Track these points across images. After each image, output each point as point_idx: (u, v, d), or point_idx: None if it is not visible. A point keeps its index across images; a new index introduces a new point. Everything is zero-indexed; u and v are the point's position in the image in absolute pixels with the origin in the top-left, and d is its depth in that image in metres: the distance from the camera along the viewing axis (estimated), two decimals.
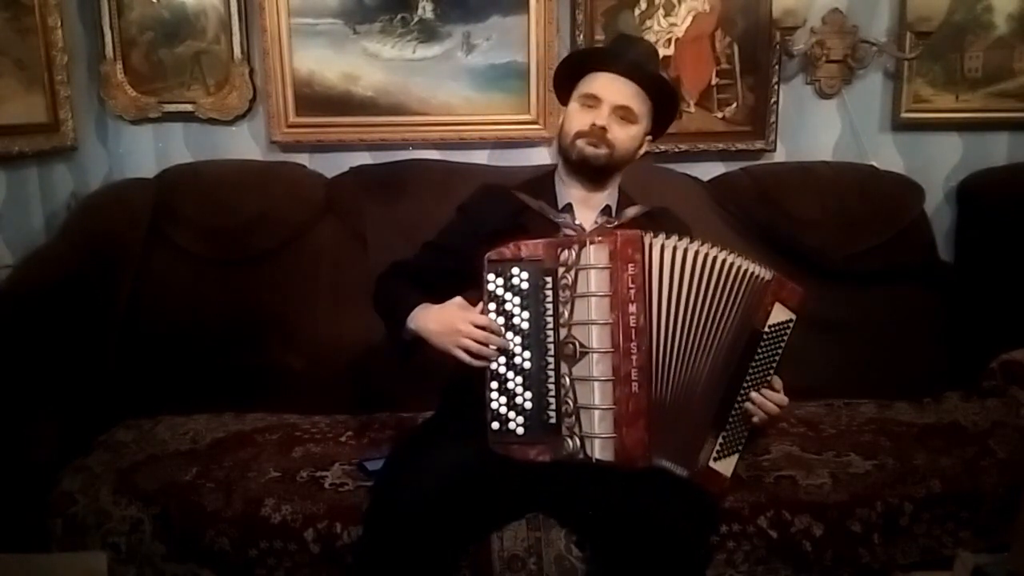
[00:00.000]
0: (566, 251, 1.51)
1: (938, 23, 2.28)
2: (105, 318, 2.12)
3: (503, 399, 1.54)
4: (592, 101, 1.68)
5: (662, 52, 2.41)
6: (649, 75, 1.69)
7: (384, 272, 1.79)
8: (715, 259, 1.52)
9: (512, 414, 1.53)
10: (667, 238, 1.52)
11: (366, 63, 2.43)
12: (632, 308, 1.48)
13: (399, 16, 2.41)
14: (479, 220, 1.74)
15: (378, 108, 2.45)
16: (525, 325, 1.54)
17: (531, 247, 1.54)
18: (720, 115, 2.48)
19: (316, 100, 2.45)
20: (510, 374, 1.54)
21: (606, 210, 1.75)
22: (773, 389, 1.55)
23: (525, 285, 1.53)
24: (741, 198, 2.35)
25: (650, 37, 2.41)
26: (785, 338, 1.54)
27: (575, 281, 1.50)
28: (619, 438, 1.48)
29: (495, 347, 1.53)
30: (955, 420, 2.04)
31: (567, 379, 1.51)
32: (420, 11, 2.41)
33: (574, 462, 1.51)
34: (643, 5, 2.41)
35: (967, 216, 2.48)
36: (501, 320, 1.54)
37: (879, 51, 2.44)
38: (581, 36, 2.40)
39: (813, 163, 2.45)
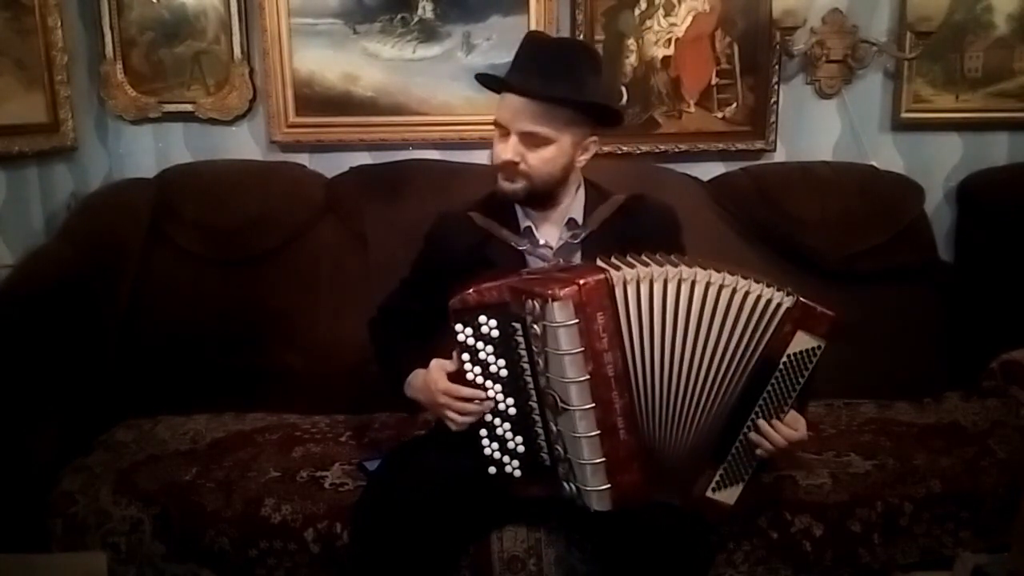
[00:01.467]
0: (530, 301, 1.39)
1: (938, 23, 2.28)
2: (105, 318, 2.12)
3: (495, 444, 1.50)
4: (502, 129, 1.58)
5: (662, 52, 2.42)
6: (547, 98, 1.52)
7: (374, 320, 1.79)
8: (712, 284, 1.42)
9: (507, 458, 1.49)
10: (644, 267, 1.41)
11: (366, 63, 2.43)
12: (608, 357, 1.39)
13: (399, 16, 2.41)
14: (443, 253, 1.68)
15: (378, 108, 2.45)
16: (503, 372, 1.47)
17: (494, 292, 1.44)
18: (720, 115, 2.48)
19: (316, 100, 2.45)
20: (497, 420, 1.49)
21: (570, 223, 1.65)
22: (784, 422, 1.46)
23: (495, 333, 1.45)
24: (741, 198, 2.35)
25: (650, 37, 2.41)
26: (809, 367, 1.44)
27: (543, 334, 1.39)
28: (614, 485, 1.42)
29: (475, 411, 1.48)
30: (955, 420, 2.04)
31: (554, 427, 1.44)
32: (420, 11, 2.41)
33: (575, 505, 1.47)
34: (643, 5, 2.41)
35: (967, 216, 2.47)
36: (478, 368, 1.47)
37: (879, 51, 2.44)
38: (581, 36, 2.40)
39: (813, 163, 2.45)
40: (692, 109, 2.47)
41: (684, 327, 1.42)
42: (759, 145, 2.50)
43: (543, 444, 1.47)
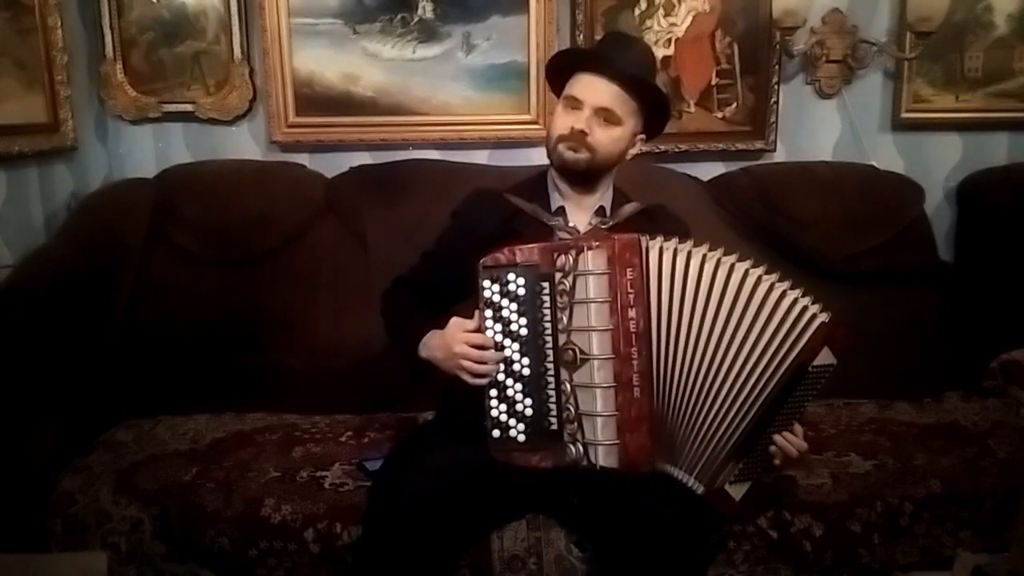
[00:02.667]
0: (562, 256, 1.49)
1: (938, 23, 2.28)
2: (105, 318, 2.12)
3: (503, 406, 1.52)
4: (574, 103, 1.65)
5: (662, 52, 2.42)
6: (632, 79, 1.64)
7: (388, 290, 1.80)
8: (751, 273, 1.46)
9: (513, 421, 1.51)
10: (666, 240, 1.49)
11: (366, 63, 2.43)
12: (632, 313, 1.46)
13: (399, 16, 2.41)
14: (472, 226, 1.72)
15: (378, 108, 2.46)
16: (523, 331, 1.51)
17: (527, 252, 1.51)
18: (720, 115, 2.48)
19: (316, 100, 2.45)
20: (509, 381, 1.52)
21: (600, 211, 1.72)
22: (794, 433, 1.51)
23: (522, 291, 1.51)
24: (741, 198, 2.35)
25: (650, 37, 2.41)
26: (820, 383, 1.48)
27: (573, 287, 1.48)
28: (622, 444, 1.47)
29: (492, 362, 1.52)
30: (955, 420, 2.04)
31: (568, 385, 1.49)
32: (420, 11, 2.41)
33: (578, 468, 1.50)
34: (643, 5, 2.42)
35: (967, 216, 2.47)
36: (499, 327, 1.52)
37: (879, 51, 2.44)
38: (581, 36, 2.40)
39: (813, 163, 2.45)
40: (692, 109, 2.48)
41: (715, 304, 1.46)
42: (759, 145, 2.50)
43: (552, 407, 1.50)
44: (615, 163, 1.71)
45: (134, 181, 2.40)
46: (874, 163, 2.47)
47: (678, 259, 1.48)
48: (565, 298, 1.48)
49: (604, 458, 1.48)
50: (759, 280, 1.46)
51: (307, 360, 2.17)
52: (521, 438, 1.51)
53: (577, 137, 1.63)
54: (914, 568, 1.76)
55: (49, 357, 1.88)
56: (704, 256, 1.48)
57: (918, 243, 2.36)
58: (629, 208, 1.73)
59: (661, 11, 2.42)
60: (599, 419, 1.47)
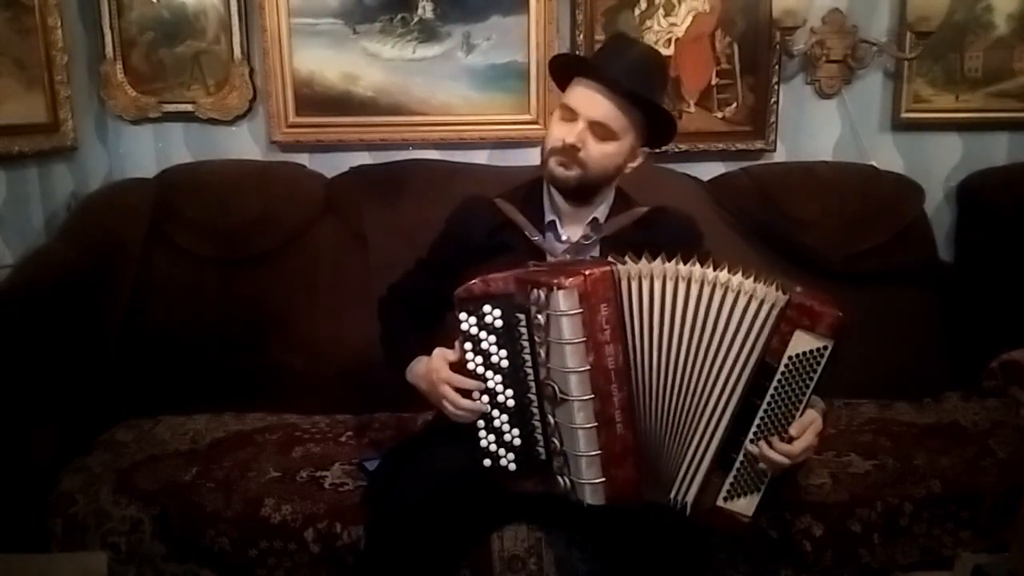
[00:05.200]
0: (536, 290, 1.39)
1: (938, 23, 2.28)
2: (105, 318, 2.12)
3: (491, 436, 1.49)
4: (569, 114, 1.57)
5: (662, 52, 2.42)
6: (630, 93, 1.54)
7: (383, 298, 1.79)
8: (707, 283, 1.40)
9: (502, 451, 1.49)
10: (648, 263, 1.41)
11: (366, 63, 2.43)
12: (609, 350, 1.38)
13: (399, 16, 2.41)
14: (463, 235, 1.69)
15: (378, 108, 2.46)
16: (504, 363, 1.47)
17: (500, 283, 1.45)
18: (720, 115, 2.48)
19: (316, 100, 2.45)
20: (495, 412, 1.48)
21: (593, 222, 1.65)
22: (787, 434, 1.39)
23: (499, 323, 1.46)
24: (741, 198, 2.35)
25: (650, 37, 2.41)
26: (816, 369, 1.36)
27: (547, 324, 1.39)
28: (609, 479, 1.41)
29: (476, 401, 1.48)
30: (955, 420, 2.05)
31: (551, 419, 1.43)
32: (420, 11, 2.41)
33: (563, 497, 1.47)
34: (643, 5, 2.41)
35: (967, 216, 2.47)
36: (479, 359, 1.48)
37: (879, 51, 2.44)
38: (581, 36, 2.40)
39: (813, 163, 2.45)
40: (692, 109, 2.47)
41: (682, 326, 1.41)
42: (759, 145, 2.50)
43: (539, 438, 1.46)
44: (611, 178, 1.64)
45: (134, 181, 2.40)
46: (874, 163, 2.47)
47: (655, 286, 1.41)
48: (541, 333, 1.41)
49: (591, 496, 1.42)
50: (714, 289, 1.39)
51: (307, 360, 2.17)
52: (512, 467, 1.49)
53: (568, 152, 1.56)
54: (914, 568, 1.76)
55: (49, 357, 1.88)
56: (678, 277, 1.41)
57: (918, 243, 2.36)
58: (624, 218, 1.66)
59: (661, 11, 2.42)
60: (583, 459, 1.41)
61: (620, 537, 1.46)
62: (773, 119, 2.48)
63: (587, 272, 1.38)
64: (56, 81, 2.23)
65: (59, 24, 2.22)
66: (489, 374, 1.48)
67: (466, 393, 1.49)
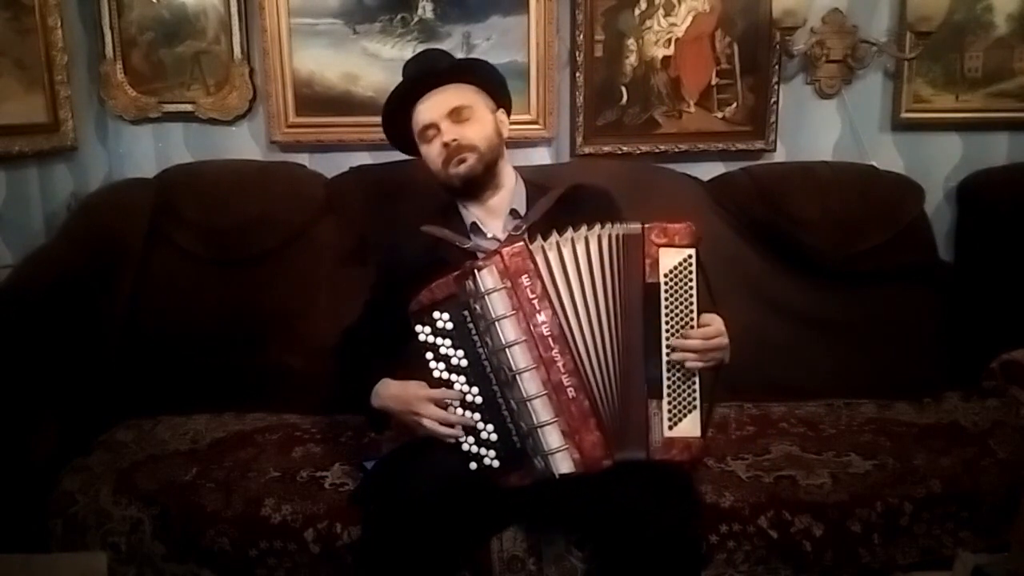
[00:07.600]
0: (467, 282, 1.52)
1: (938, 23, 2.28)
2: (105, 318, 2.12)
3: (470, 438, 1.55)
4: (429, 132, 1.73)
5: (662, 52, 2.43)
6: (442, 71, 1.74)
7: (337, 345, 1.81)
8: (596, 238, 1.54)
9: (483, 450, 1.54)
10: (559, 234, 1.54)
11: (366, 63, 2.43)
12: (541, 317, 1.50)
13: (399, 16, 2.41)
14: (398, 264, 1.76)
15: (378, 108, 2.40)
16: (464, 363, 1.55)
17: (443, 286, 1.55)
18: (720, 115, 2.48)
19: (316, 100, 2.45)
20: (468, 413, 1.55)
21: (514, 214, 1.75)
22: (694, 327, 1.54)
23: (450, 325, 1.55)
24: (741, 198, 2.35)
25: (650, 37, 2.41)
26: (692, 276, 1.54)
27: (483, 309, 1.51)
28: (574, 445, 1.49)
29: (461, 419, 1.54)
30: (955, 420, 2.04)
31: (513, 403, 1.52)
32: (420, 11, 2.41)
33: (548, 481, 1.51)
34: (643, 5, 2.41)
35: (967, 216, 2.47)
36: (442, 365, 1.56)
37: (879, 51, 2.44)
38: (581, 36, 2.40)
39: (813, 163, 2.44)
40: (692, 109, 2.47)
41: (592, 282, 1.54)
42: (759, 145, 2.50)
43: (511, 427, 1.53)
44: (499, 148, 1.76)
45: (134, 181, 2.40)
46: (874, 163, 2.47)
47: (563, 251, 1.53)
48: (483, 321, 1.52)
49: (561, 465, 1.49)
50: (599, 239, 1.54)
51: (307, 360, 2.17)
52: (496, 464, 1.54)
53: (454, 149, 1.70)
54: (914, 568, 1.76)
55: (49, 357, 1.88)
56: (586, 237, 1.54)
57: (918, 243, 2.36)
58: (545, 202, 1.74)
59: (661, 11, 2.42)
60: (545, 429, 1.50)
61: (618, 536, 1.46)
62: (773, 119, 2.47)
63: (503, 250, 1.52)
64: (56, 81, 2.24)
65: (59, 24, 2.23)
66: (454, 377, 1.55)
67: (442, 405, 1.54)
